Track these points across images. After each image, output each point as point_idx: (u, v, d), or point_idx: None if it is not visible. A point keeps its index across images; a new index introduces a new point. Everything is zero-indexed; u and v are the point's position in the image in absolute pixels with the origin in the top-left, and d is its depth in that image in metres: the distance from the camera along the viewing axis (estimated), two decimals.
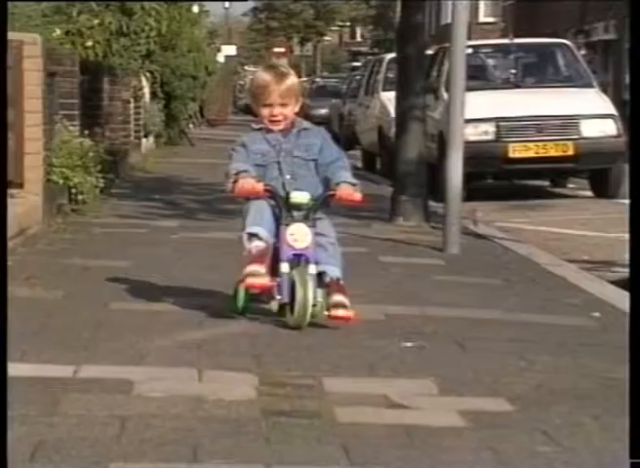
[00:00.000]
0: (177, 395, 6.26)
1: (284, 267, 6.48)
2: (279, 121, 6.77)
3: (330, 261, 6.67)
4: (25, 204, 13.21)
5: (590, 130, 21.27)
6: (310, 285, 6.54)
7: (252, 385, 6.53)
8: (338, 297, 6.64)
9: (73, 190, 15.23)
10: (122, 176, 20.45)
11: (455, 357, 7.60)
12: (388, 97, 23.51)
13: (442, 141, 17.71)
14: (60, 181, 14.86)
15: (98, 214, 15.26)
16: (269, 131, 6.85)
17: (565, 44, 25.44)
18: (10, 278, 10.00)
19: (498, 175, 21.91)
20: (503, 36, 44.90)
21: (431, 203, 15.99)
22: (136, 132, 26.71)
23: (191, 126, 37.96)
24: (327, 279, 6.74)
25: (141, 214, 16.00)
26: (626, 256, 12.88)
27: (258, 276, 6.48)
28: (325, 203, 6.84)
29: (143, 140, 29.13)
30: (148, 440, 5.44)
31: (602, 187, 21.66)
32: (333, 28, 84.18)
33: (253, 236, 6.77)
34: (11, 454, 5.06)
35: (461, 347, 7.83)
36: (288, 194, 6.61)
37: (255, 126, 7.00)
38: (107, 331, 7.92)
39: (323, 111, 49.54)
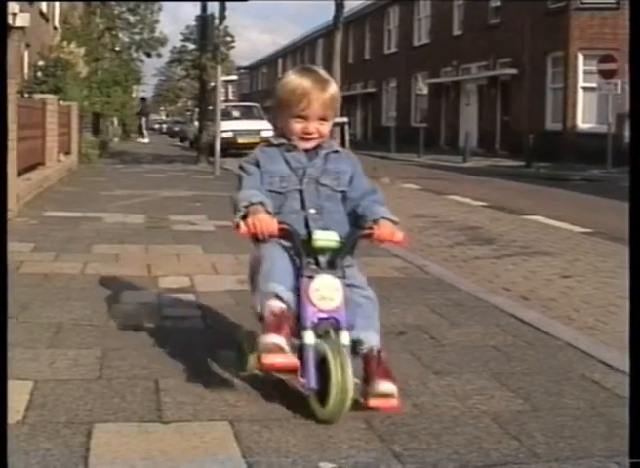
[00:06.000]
0: (117, 222, 6.00)
1: (308, 337, 1.69)
2: (313, 139, 1.90)
3: (367, 324, 1.79)
4: (70, 159, 12.49)
5: (265, 134, 20.62)
6: (349, 364, 1.66)
7: (143, 217, 6.26)
8: (384, 386, 1.70)
9: (88, 155, 14.58)
10: (106, 151, 19.34)
11: (214, 206, 7.05)
12: (197, 123, 22.80)
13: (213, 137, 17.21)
14: (84, 152, 14.28)
15: (96, 164, 14.34)
16: (291, 149, 1.91)
17: (256, 106, 24.66)
18: (62, 184, 9.54)
19: (232, 150, 20.38)
20: (239, 101, 43.89)
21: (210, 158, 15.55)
22: (111, 136, 25.50)
23: (132, 135, 36.51)
24: (364, 350, 1.79)
25: (112, 163, 15.04)
26: None
27: (277, 352, 1.63)
28: (355, 245, 1.85)
29: (114, 139, 27.70)
30: (108, 236, 5.20)
31: None
32: (180, 101, 79.63)
33: (272, 296, 1.74)
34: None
35: (217, 204, 7.23)
36: (310, 234, 1.79)
37: (274, 140, 1.96)
38: (96, 201, 7.48)
39: (177, 128, 46.70)
